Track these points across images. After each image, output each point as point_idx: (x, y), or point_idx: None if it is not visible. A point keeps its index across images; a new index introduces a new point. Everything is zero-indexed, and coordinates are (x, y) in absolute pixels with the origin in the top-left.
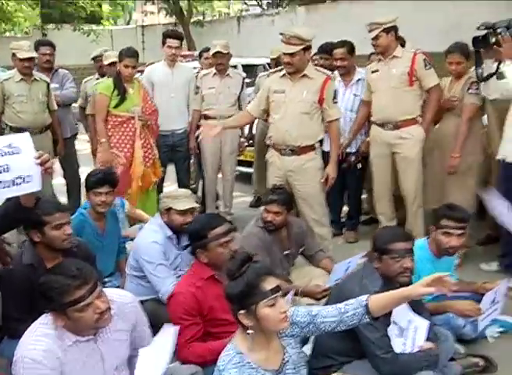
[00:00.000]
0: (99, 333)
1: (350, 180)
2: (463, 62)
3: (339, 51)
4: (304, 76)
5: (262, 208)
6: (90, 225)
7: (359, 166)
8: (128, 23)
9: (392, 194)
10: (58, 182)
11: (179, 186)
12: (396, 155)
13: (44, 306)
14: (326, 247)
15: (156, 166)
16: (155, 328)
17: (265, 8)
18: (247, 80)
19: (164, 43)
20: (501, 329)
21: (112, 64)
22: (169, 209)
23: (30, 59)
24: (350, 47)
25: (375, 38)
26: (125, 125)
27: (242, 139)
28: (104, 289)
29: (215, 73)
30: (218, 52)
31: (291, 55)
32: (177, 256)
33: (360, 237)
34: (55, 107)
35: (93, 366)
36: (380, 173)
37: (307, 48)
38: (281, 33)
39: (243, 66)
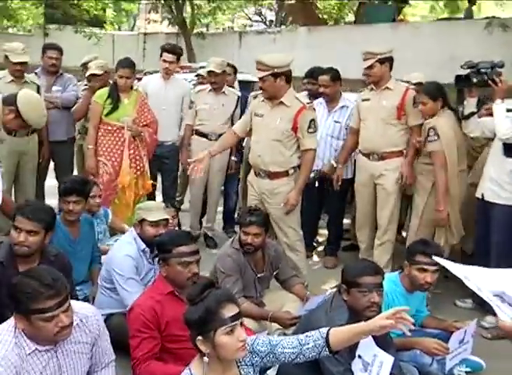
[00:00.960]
0: (59, 344)
1: (329, 204)
2: (427, 102)
3: (323, 78)
4: (281, 103)
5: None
6: (62, 230)
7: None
8: (132, 30)
9: (373, 223)
10: (51, 184)
11: (164, 197)
12: (377, 186)
13: (9, 306)
14: (300, 272)
15: (145, 179)
16: (120, 342)
17: (268, 25)
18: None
19: (161, 56)
20: (468, 369)
21: (93, 75)
22: (142, 221)
23: (23, 63)
24: (334, 74)
25: (369, 68)
26: (115, 134)
27: (233, 158)
28: (70, 301)
29: (210, 90)
30: (211, 71)
31: (261, 80)
32: (149, 271)
33: (341, 263)
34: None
35: None
36: (363, 201)
37: (278, 75)
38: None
39: (240, 81)
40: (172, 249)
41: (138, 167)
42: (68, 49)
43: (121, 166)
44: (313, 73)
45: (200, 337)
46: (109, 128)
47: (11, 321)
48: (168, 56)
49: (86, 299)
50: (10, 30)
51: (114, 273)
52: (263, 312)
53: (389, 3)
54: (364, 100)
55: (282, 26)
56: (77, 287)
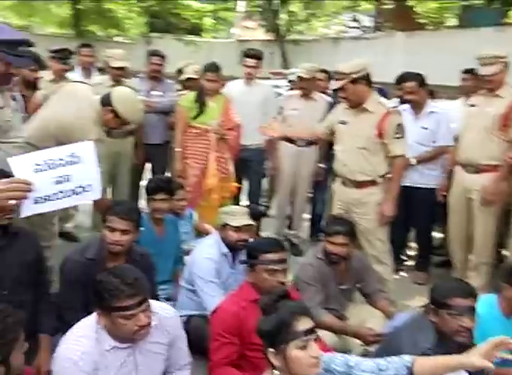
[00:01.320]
0: (138, 342)
1: (417, 216)
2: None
3: (408, 85)
4: (365, 109)
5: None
6: (148, 229)
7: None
8: (229, 37)
9: (467, 241)
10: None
11: (250, 201)
12: (471, 201)
13: (94, 302)
14: (386, 286)
15: (229, 181)
16: (198, 345)
17: (364, 31)
18: None
19: (243, 61)
20: None
21: (189, 79)
22: (225, 225)
23: (122, 68)
24: (419, 80)
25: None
26: (200, 137)
27: (321, 165)
28: (150, 301)
29: (300, 95)
30: (300, 77)
31: (342, 90)
32: (230, 275)
33: (432, 279)
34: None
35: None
36: (455, 216)
37: (357, 80)
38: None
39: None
40: (259, 255)
41: (223, 170)
42: (168, 57)
43: (207, 169)
44: (398, 80)
45: (271, 350)
46: (196, 131)
47: (93, 317)
48: (249, 61)
49: (169, 298)
50: (116, 39)
51: (195, 276)
52: (344, 326)
53: (495, 6)
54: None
55: (379, 32)
56: (161, 286)
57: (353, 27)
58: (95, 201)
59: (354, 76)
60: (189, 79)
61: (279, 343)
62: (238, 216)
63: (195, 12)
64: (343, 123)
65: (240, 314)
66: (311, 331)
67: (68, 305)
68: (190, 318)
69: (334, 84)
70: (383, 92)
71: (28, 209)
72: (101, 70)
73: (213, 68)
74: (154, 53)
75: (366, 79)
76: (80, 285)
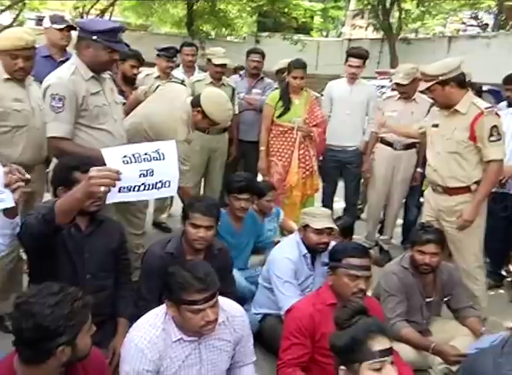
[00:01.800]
0: (204, 337)
1: None
2: None
3: None
4: (456, 111)
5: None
6: (226, 223)
7: None
8: (339, 36)
9: None
10: None
11: (346, 203)
12: None
13: (165, 292)
14: (477, 303)
15: (313, 179)
16: (271, 344)
17: (483, 29)
18: None
19: (346, 60)
20: None
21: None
22: (306, 226)
23: (223, 66)
24: None
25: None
26: (286, 135)
27: (419, 169)
28: (219, 297)
29: (399, 97)
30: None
31: (429, 90)
32: (308, 277)
33: None
34: (236, 111)
35: (190, 367)
36: None
37: (445, 82)
38: None
39: None
40: (342, 259)
41: (307, 167)
42: (275, 55)
43: (290, 166)
44: (508, 80)
45: (343, 367)
46: (281, 129)
47: (163, 308)
48: (353, 61)
49: None
50: (228, 38)
51: (272, 275)
52: (425, 342)
53: None
54: None
55: (500, 31)
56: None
57: (472, 25)
58: (180, 188)
59: (442, 78)
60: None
61: (352, 361)
62: (320, 217)
63: (304, 11)
64: (435, 125)
65: (315, 316)
66: (387, 352)
67: (143, 296)
68: (265, 316)
69: (421, 86)
70: (497, 94)
71: (113, 197)
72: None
73: (299, 65)
74: (252, 50)
75: (457, 80)
76: (156, 277)
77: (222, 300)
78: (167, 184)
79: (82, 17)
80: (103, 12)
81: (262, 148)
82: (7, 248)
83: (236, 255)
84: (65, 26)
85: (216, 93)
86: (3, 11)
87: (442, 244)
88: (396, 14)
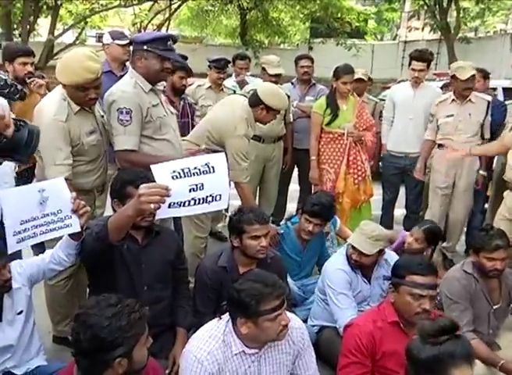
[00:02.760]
0: (264, 350)
1: None
2: None
3: None
4: None
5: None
6: (292, 241)
7: None
8: (394, 39)
9: None
10: (293, 188)
11: (407, 211)
12: None
13: (234, 311)
14: None
15: (367, 184)
16: (328, 357)
17: None
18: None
19: (409, 64)
20: None
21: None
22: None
23: (277, 75)
24: None
25: None
26: (336, 141)
27: (481, 171)
28: None
29: (453, 99)
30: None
31: None
32: (364, 289)
33: None
34: (291, 119)
35: None
36: None
37: None
38: None
39: (504, 89)
40: (405, 275)
41: (359, 172)
42: (329, 61)
43: (339, 172)
44: None
45: None
46: (331, 136)
47: (223, 320)
48: (416, 64)
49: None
50: (281, 46)
51: (327, 286)
52: (493, 358)
53: None
54: None
55: None
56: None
57: None
58: (240, 187)
59: None
60: (358, 80)
61: None
62: (360, 234)
63: (358, 15)
64: None
65: (375, 334)
66: None
67: (198, 309)
68: (322, 328)
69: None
70: None
71: (163, 213)
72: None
73: (349, 70)
74: (301, 56)
75: None
76: (210, 291)
77: None
78: (218, 198)
79: (139, 32)
80: (160, 26)
81: (313, 157)
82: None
83: (297, 272)
84: (128, 41)
85: (269, 86)
86: (66, 30)
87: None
88: (454, 13)
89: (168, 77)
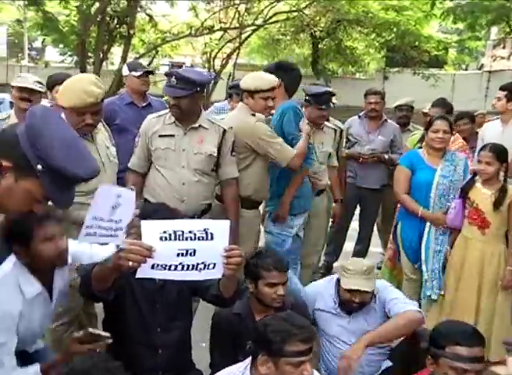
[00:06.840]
0: None
1: None
2: None
3: None
4: None
5: None
6: None
7: None
8: (480, 69)
9: None
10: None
11: None
12: None
13: (256, 347)
14: None
15: None
16: None
17: None
18: None
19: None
20: None
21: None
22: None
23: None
24: None
25: None
26: None
27: None
28: None
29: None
30: None
31: None
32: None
33: None
34: (335, 163)
35: None
36: None
37: None
38: None
39: None
40: (446, 345)
41: None
42: (405, 91)
43: None
44: None
45: None
46: None
47: (244, 363)
48: (502, 93)
49: None
50: (357, 75)
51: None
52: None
53: None
54: None
55: None
56: None
57: None
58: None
59: None
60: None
61: None
62: (351, 274)
63: (438, 44)
64: None
65: None
66: None
67: (216, 362)
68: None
69: None
70: None
71: (144, 272)
72: None
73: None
74: (369, 91)
75: None
76: (228, 341)
77: None
78: (211, 266)
79: (209, 61)
80: (230, 55)
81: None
82: None
83: None
84: (142, 72)
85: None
86: (137, 58)
87: None
88: None
89: None
